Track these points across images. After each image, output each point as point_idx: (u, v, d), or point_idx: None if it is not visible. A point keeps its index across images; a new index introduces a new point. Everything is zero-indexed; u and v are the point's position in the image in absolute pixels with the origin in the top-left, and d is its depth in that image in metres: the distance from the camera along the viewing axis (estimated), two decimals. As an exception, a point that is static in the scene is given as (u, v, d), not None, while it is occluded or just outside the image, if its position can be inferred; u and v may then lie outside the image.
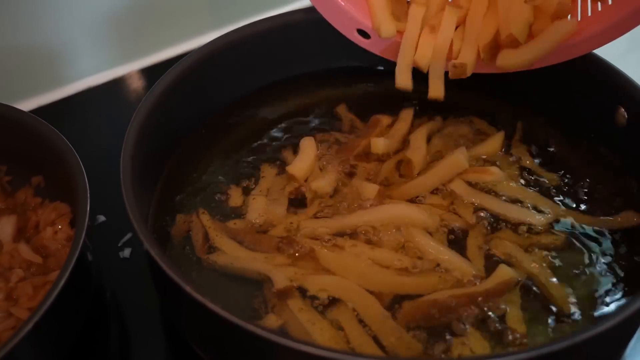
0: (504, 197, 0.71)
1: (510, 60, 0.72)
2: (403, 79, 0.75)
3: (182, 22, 1.01)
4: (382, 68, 0.83)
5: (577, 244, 0.67)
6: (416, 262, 0.65)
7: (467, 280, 0.63)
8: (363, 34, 0.77)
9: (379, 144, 0.74)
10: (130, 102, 0.96)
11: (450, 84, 0.74)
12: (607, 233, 0.68)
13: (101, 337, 0.70)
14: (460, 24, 0.75)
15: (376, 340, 0.59)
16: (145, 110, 0.69)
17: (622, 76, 0.72)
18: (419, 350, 0.59)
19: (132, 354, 0.70)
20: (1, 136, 0.72)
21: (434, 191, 0.71)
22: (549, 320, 0.61)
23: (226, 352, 0.60)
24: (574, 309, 0.62)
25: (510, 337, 0.59)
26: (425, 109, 0.80)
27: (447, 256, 0.65)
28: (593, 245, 0.67)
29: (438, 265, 0.65)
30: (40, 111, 0.92)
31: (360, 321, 0.61)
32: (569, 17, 0.70)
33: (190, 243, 0.68)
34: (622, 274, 0.65)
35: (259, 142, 0.78)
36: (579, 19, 0.70)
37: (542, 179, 0.73)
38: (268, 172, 0.74)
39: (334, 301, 0.62)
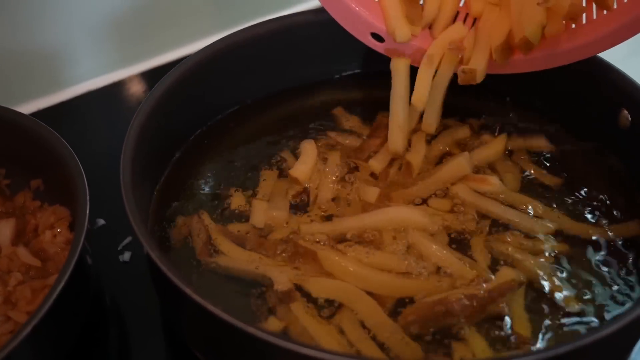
0: (506, 203, 0.70)
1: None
2: (395, 143, 0.74)
3: (182, 25, 1.01)
4: (382, 71, 0.83)
5: (580, 249, 0.66)
6: (418, 265, 0.64)
7: (470, 282, 0.63)
8: (377, 37, 0.76)
9: (375, 166, 0.74)
10: (131, 106, 0.96)
11: (451, 85, 0.74)
12: (610, 237, 0.67)
13: (101, 341, 0.70)
14: (470, 26, 0.75)
15: (378, 343, 0.59)
16: (145, 112, 0.69)
17: (625, 78, 0.71)
18: (420, 353, 0.58)
19: (132, 357, 0.69)
20: (0, 139, 0.72)
21: (436, 194, 0.71)
22: (553, 323, 0.61)
23: (227, 355, 0.60)
24: (578, 312, 0.61)
25: (513, 340, 0.59)
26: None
27: (449, 259, 0.64)
28: (596, 250, 0.66)
29: (440, 268, 0.64)
30: (39, 114, 0.91)
31: (362, 324, 0.60)
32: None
33: (190, 246, 0.68)
34: (626, 279, 0.64)
35: (259, 145, 0.78)
36: (584, 22, 0.70)
37: (544, 183, 0.73)
38: (269, 175, 0.74)
39: (336, 304, 0.62)
